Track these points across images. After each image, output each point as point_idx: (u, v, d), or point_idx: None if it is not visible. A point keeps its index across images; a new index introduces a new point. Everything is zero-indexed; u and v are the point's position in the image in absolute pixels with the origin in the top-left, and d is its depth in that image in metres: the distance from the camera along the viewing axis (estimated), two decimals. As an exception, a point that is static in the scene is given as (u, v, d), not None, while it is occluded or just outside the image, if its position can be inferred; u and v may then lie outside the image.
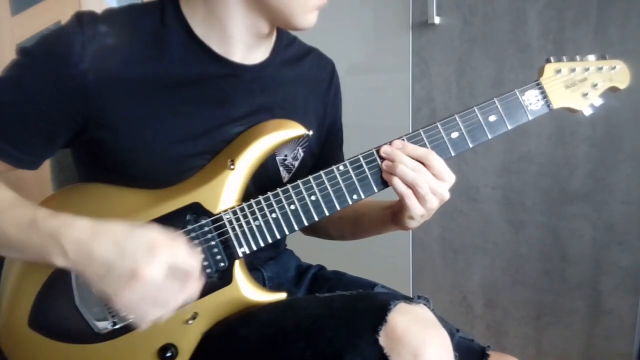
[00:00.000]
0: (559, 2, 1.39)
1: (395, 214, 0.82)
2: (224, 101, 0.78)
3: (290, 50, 0.88)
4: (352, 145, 1.03)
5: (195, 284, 0.69)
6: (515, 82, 1.48)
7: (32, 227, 0.68)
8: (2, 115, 0.71)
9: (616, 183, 1.40)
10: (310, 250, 1.08)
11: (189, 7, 0.75)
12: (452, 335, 0.79)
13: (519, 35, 1.45)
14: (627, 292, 1.43)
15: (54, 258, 0.67)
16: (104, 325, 0.75)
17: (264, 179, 0.82)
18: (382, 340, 0.62)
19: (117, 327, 0.75)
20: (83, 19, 0.72)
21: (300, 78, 0.88)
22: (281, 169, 0.86)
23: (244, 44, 0.78)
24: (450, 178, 0.76)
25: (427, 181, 0.74)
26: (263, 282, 0.91)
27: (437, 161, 0.75)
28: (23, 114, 0.71)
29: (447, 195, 0.76)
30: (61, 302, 0.74)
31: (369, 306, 0.67)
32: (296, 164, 0.88)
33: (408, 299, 0.68)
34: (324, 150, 0.97)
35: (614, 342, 1.48)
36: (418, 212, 0.75)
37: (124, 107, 0.72)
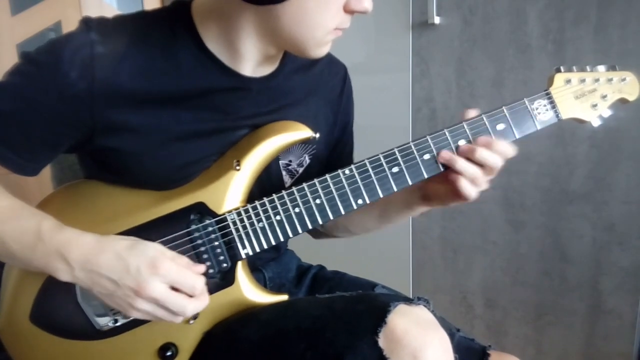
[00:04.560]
0: (559, 2, 1.39)
1: (430, 197, 0.84)
2: (230, 113, 0.78)
3: (301, 58, 0.84)
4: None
5: (201, 297, 0.70)
6: (515, 82, 1.48)
7: (36, 242, 0.68)
8: (4, 122, 0.70)
9: (616, 183, 1.40)
10: (311, 251, 1.08)
11: (202, 22, 0.73)
12: (452, 334, 0.79)
13: (519, 35, 1.45)
14: (627, 292, 1.43)
15: (60, 274, 0.68)
16: (105, 323, 0.75)
17: (266, 182, 0.81)
18: (382, 341, 0.62)
19: (118, 324, 0.75)
20: (91, 26, 0.70)
21: (310, 85, 0.87)
22: (284, 173, 0.85)
23: (254, 62, 0.76)
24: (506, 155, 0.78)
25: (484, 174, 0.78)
26: (264, 283, 0.91)
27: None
28: (26, 122, 0.70)
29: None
30: (63, 298, 0.75)
31: (369, 307, 0.67)
32: (300, 170, 0.87)
33: (408, 300, 0.68)
34: (333, 155, 0.95)
35: (614, 342, 1.48)
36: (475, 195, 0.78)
37: (130, 117, 0.71)
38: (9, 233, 0.69)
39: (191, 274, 0.69)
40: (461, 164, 0.76)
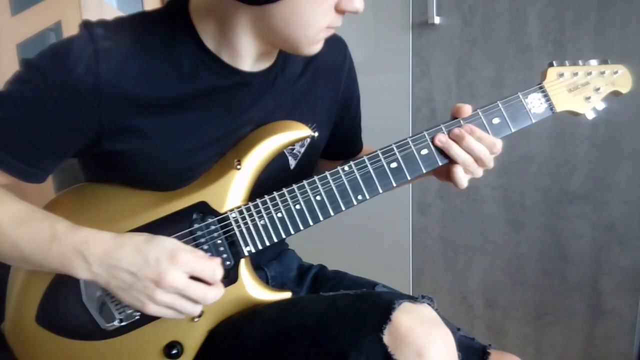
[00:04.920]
0: (559, 2, 1.39)
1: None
2: (234, 109, 0.78)
3: None
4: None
5: (220, 285, 0.72)
6: (515, 82, 1.48)
7: (51, 242, 0.68)
8: (10, 132, 0.69)
9: (616, 183, 1.40)
10: (312, 250, 1.09)
11: (200, 22, 0.74)
12: (453, 334, 0.79)
13: (519, 35, 1.46)
14: (627, 292, 1.44)
15: (77, 271, 0.68)
16: (111, 322, 0.75)
17: (272, 168, 0.81)
18: (387, 339, 0.62)
19: (123, 324, 0.75)
20: (93, 31, 0.69)
21: (309, 67, 0.87)
22: (289, 158, 0.86)
23: (252, 58, 0.77)
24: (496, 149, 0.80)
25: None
26: (266, 281, 0.91)
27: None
28: (33, 131, 0.69)
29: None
30: (68, 299, 0.75)
31: (374, 305, 0.67)
32: (302, 150, 0.88)
33: (412, 298, 0.68)
34: (338, 133, 0.96)
35: (614, 342, 1.48)
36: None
37: (137, 120, 0.72)
38: (23, 235, 0.69)
39: (210, 262, 0.70)
40: (455, 149, 0.78)
